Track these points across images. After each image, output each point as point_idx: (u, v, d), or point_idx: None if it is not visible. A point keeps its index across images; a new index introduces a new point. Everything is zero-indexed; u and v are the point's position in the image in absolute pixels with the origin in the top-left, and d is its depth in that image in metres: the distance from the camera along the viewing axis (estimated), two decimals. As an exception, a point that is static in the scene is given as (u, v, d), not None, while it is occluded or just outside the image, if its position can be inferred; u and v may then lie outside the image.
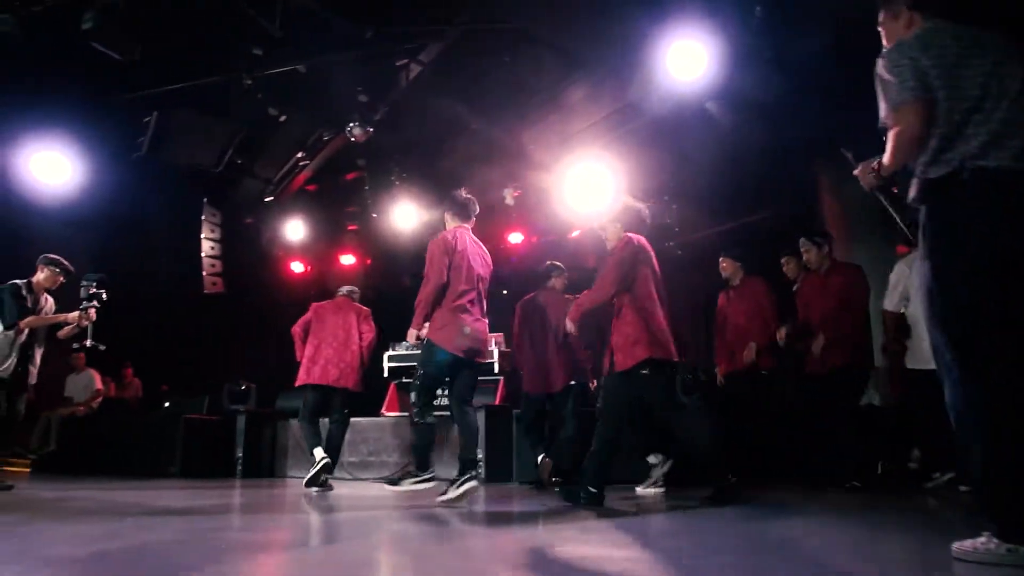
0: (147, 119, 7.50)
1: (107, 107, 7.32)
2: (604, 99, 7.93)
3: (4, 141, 7.56)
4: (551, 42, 6.81)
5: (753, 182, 8.03)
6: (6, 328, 5.48)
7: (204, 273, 9.72)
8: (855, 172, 2.76)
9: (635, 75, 7.04)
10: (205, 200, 9.81)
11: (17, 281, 5.66)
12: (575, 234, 9.93)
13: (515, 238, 10.40)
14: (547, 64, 7.31)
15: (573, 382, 5.79)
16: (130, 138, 7.89)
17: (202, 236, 9.76)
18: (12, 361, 5.49)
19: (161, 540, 2.81)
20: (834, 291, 5.36)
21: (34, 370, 5.74)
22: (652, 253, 4.60)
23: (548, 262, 6.33)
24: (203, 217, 9.85)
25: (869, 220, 7.12)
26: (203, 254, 9.75)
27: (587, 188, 8.40)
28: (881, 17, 2.72)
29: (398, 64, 7.01)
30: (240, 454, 8.09)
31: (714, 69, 6.27)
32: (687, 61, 6.38)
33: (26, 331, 5.55)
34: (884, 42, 2.68)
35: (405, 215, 9.59)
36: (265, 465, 8.15)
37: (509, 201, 9.15)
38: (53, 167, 7.76)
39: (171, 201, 9.73)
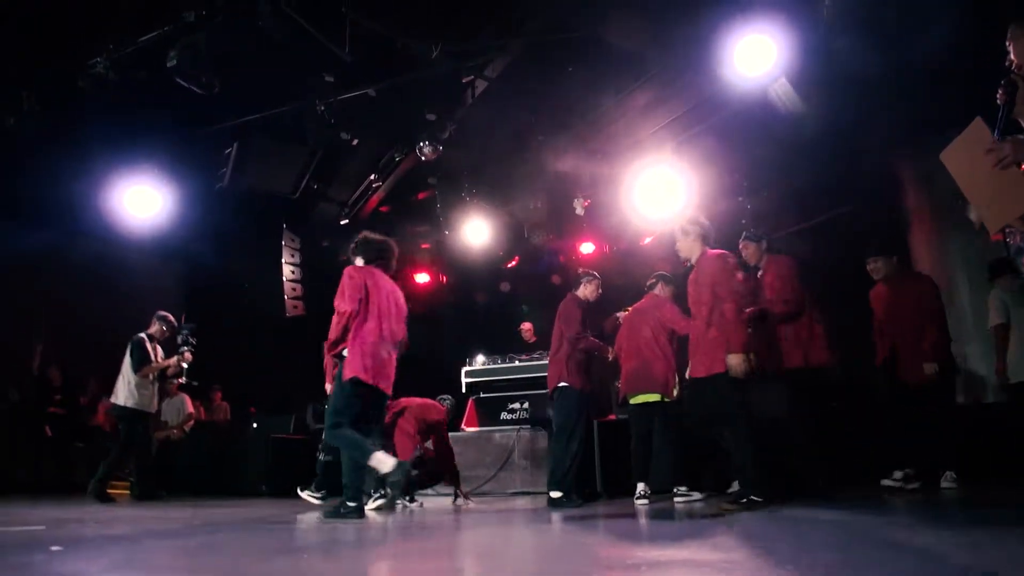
0: (228, 150, 7.81)
1: (191, 141, 7.67)
2: (672, 101, 7.80)
3: (101, 177, 8.00)
4: (617, 47, 6.75)
5: (830, 177, 7.75)
6: (135, 372, 6.97)
7: (286, 297, 10.01)
8: (990, 149, 2.58)
9: (703, 74, 6.91)
10: (284, 225, 10.12)
11: (141, 335, 7.16)
12: (647, 241, 9.78)
13: (587, 248, 10.33)
14: (613, 70, 7.25)
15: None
16: (213, 169, 8.23)
17: (283, 261, 10.07)
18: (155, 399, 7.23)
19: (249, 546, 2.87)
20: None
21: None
22: None
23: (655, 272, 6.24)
24: (283, 242, 10.16)
25: (959, 210, 6.78)
26: (284, 278, 10.04)
27: (658, 193, 8.28)
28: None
29: (464, 81, 7.09)
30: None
31: (783, 63, 6.11)
32: (756, 56, 6.22)
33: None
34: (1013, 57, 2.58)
35: (477, 231, 9.66)
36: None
37: (579, 211, 9.09)
38: (144, 200, 8.17)
39: (252, 228, 10.09)
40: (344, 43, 5.64)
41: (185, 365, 7.13)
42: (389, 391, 4.63)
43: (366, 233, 5.05)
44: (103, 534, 3.54)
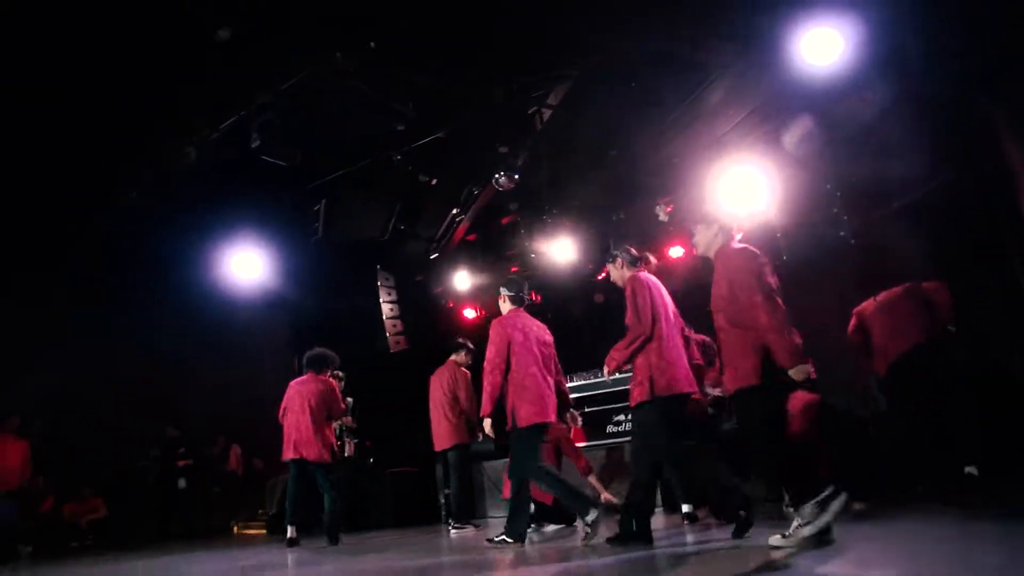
0: (317, 207, 8.26)
1: (283, 204, 8.16)
2: (744, 96, 7.61)
3: (208, 247, 8.65)
4: (679, 53, 6.68)
5: (925, 149, 7.32)
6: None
7: (388, 334, 10.40)
8: None
9: (772, 65, 6.73)
10: (378, 267, 10.54)
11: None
12: (737, 239, 9.53)
13: (675, 252, 10.17)
14: (678, 75, 7.17)
15: None
16: (307, 224, 8.72)
17: (380, 300, 10.47)
18: None
19: None
20: None
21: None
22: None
23: None
24: (378, 282, 10.58)
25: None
26: (384, 316, 10.44)
27: (741, 191, 8.07)
28: None
29: (529, 112, 7.20)
30: (442, 500, 8.53)
31: (854, 46, 5.88)
32: (824, 42, 6.03)
33: None
34: None
35: (562, 249, 9.72)
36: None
37: (663, 217, 8.98)
38: (249, 264, 8.76)
39: (348, 272, 10.58)
40: (407, 100, 5.88)
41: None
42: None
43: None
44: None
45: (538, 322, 5.52)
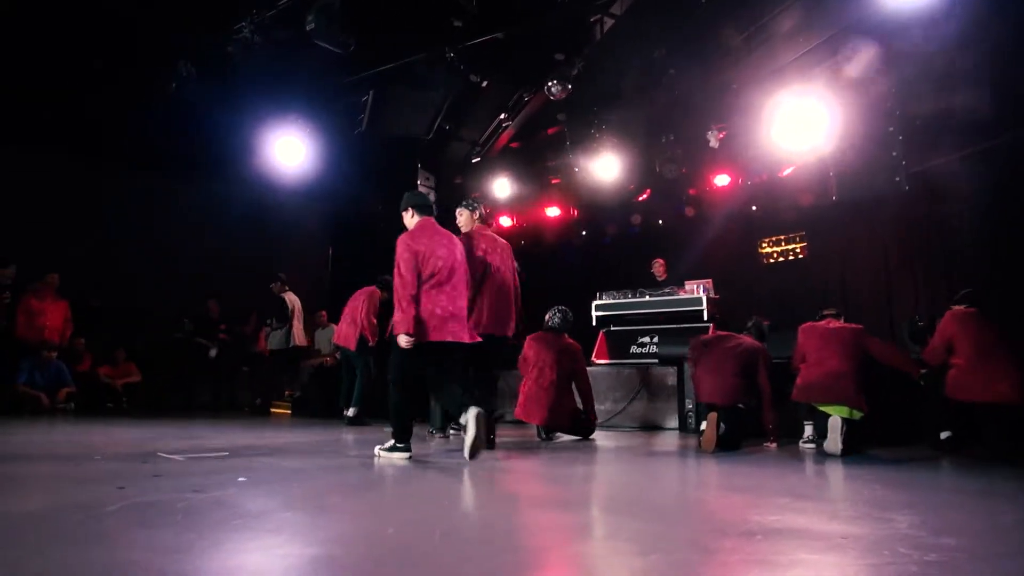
0: (365, 98, 8.14)
1: (331, 92, 8.06)
2: (818, 25, 7.29)
3: (253, 129, 8.63)
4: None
5: (994, 101, 6.99)
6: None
7: (423, 234, 10.44)
8: None
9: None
10: (419, 165, 10.49)
11: None
12: (788, 172, 9.32)
13: (721, 180, 9.99)
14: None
15: None
16: (352, 116, 8.63)
17: (419, 200, 10.47)
18: None
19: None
20: None
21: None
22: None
23: None
24: (418, 181, 10.56)
25: None
26: (421, 216, 10.46)
27: (799, 123, 7.84)
28: None
29: (592, 20, 6.94)
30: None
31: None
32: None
33: None
34: None
35: (607, 165, 9.58)
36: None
37: (714, 143, 8.77)
38: (291, 149, 8.75)
39: (389, 168, 10.55)
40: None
41: None
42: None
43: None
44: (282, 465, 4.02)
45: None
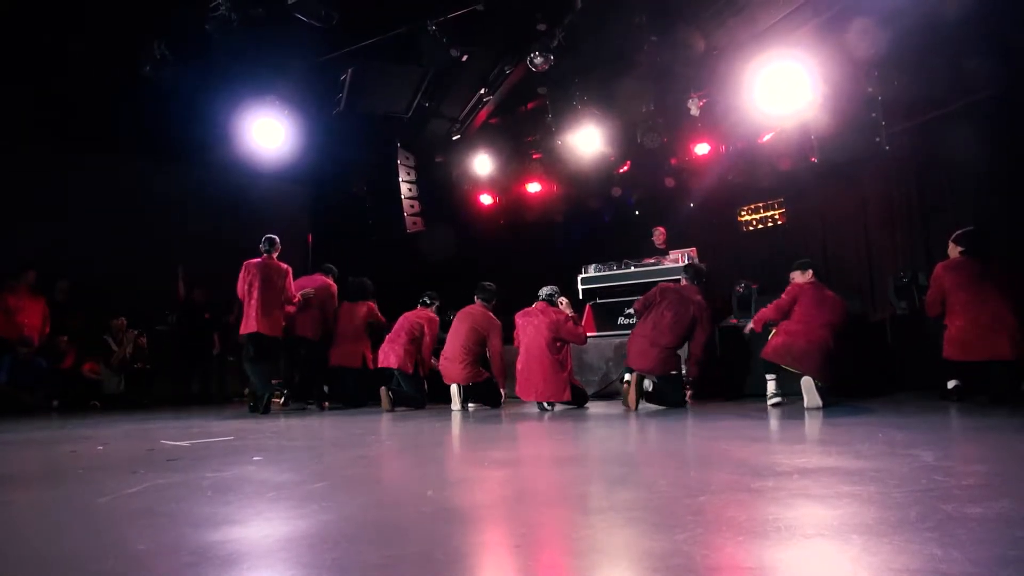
0: (343, 76, 8.00)
1: (310, 71, 7.90)
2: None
3: (230, 112, 8.42)
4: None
5: (971, 62, 7.09)
6: None
7: (405, 214, 10.35)
8: None
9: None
10: (399, 144, 10.35)
11: None
12: (767, 138, 9.38)
13: (701, 149, 10.02)
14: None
15: None
16: (331, 96, 8.48)
17: (400, 179, 10.35)
18: None
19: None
20: None
21: None
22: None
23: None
24: (398, 161, 10.42)
25: None
26: (402, 196, 10.35)
27: (779, 88, 7.87)
28: None
29: (573, -14, 6.88)
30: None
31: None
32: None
33: None
34: None
35: (588, 137, 9.54)
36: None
37: (694, 111, 8.77)
38: (270, 131, 8.57)
39: (369, 149, 10.40)
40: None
41: None
42: None
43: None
44: (292, 445, 3.99)
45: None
